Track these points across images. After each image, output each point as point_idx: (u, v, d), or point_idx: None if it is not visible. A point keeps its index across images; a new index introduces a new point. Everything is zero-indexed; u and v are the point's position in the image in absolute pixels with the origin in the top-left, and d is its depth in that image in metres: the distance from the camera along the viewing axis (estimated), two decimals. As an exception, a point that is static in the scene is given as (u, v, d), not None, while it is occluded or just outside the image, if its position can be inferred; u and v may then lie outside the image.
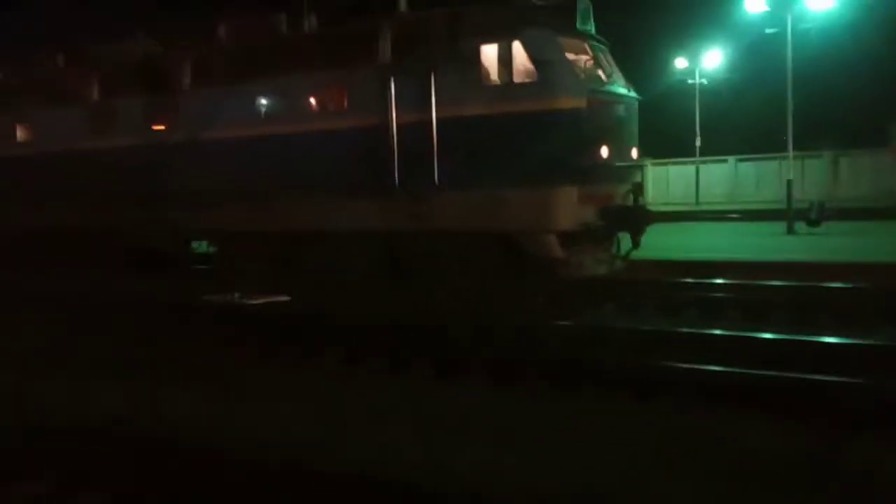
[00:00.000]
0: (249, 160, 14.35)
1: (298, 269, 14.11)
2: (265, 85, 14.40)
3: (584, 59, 12.37)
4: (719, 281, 12.59)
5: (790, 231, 21.02)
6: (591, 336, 8.98)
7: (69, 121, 16.99)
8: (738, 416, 6.09)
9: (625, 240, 12.65)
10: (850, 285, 11.60)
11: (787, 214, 21.78)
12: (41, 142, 17.67)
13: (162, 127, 15.92)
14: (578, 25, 12.39)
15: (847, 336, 8.48)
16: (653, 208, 13.83)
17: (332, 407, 6.64)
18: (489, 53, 12.12)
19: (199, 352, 9.36)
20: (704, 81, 42.81)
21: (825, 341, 8.10)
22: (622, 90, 12.71)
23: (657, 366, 7.40)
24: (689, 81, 42.66)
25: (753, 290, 11.80)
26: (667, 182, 41.97)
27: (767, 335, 8.46)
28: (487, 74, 12.22)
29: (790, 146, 23.68)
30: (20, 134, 18.49)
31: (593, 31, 12.78)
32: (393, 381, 7.71)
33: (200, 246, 17.35)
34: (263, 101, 14.53)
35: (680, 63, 43.18)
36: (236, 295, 13.14)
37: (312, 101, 14.09)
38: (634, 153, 13.05)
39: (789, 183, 22.79)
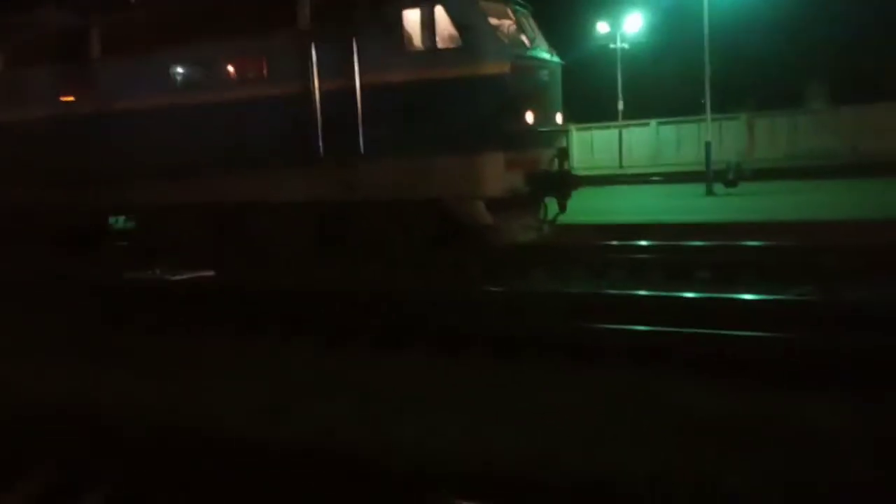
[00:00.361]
0: (169, 131, 13.90)
1: (226, 243, 13.81)
2: (181, 53, 13.95)
3: (507, 24, 12.33)
4: (643, 243, 12.84)
5: (709, 192, 21.55)
6: (522, 302, 9.06)
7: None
8: (668, 374, 6.21)
9: (551, 204, 12.75)
10: (763, 243, 11.95)
11: (706, 176, 22.31)
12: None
13: (75, 98, 15.29)
14: (501, -10, 12.32)
15: (764, 292, 8.75)
16: (578, 173, 13.96)
17: (272, 382, 6.52)
18: (412, 18, 11.95)
19: (131, 331, 9.11)
20: (626, 46, 43.29)
21: (744, 298, 8.35)
22: (545, 55, 12.73)
23: (588, 328, 7.51)
24: (612, 46, 43.08)
25: (674, 252, 12.07)
26: (591, 146, 42.49)
27: (690, 294, 8.69)
28: (410, 40, 12.06)
29: (708, 109, 24.22)
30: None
31: (516, -5, 12.73)
32: (330, 354, 7.62)
33: (118, 222, 16.82)
34: (180, 70, 14.07)
35: (602, 28, 43.55)
36: (158, 271, 12.80)
37: (231, 68, 13.71)
38: (559, 118, 13.13)
39: (707, 145, 23.33)
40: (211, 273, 12.79)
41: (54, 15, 16.15)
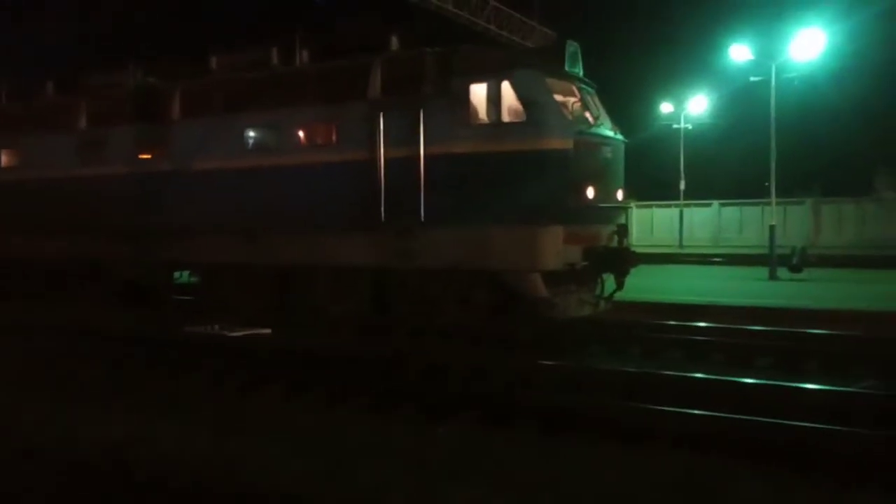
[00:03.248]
0: (238, 192, 14.33)
1: (284, 303, 14.03)
2: (255, 118, 14.46)
3: (571, 101, 12.51)
4: (702, 324, 12.62)
5: (772, 277, 21.15)
6: (574, 377, 8.95)
7: (57, 149, 16.95)
8: (722, 463, 6.02)
9: (609, 280, 12.67)
10: (827, 332, 11.64)
11: (769, 260, 21.94)
12: (30, 169, 17.59)
13: (150, 157, 15.91)
14: (567, 67, 12.55)
15: (830, 383, 8.49)
16: (637, 250, 13.88)
17: (320, 446, 6.53)
18: (478, 92, 12.22)
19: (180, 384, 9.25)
20: (689, 126, 43.36)
21: (805, 387, 8.11)
22: (609, 132, 12.84)
23: (639, 409, 7.37)
24: (675, 126, 43.19)
25: (736, 334, 11.82)
26: (651, 224, 42.28)
27: (750, 380, 8.47)
28: (476, 113, 12.32)
29: (773, 192, 23.95)
30: (7, 160, 18.42)
31: (581, 73, 12.94)
32: (379, 422, 7.60)
33: (182, 276, 17.24)
34: (253, 134, 14.57)
35: (666, 108, 43.79)
36: (217, 327, 13.04)
37: (302, 134, 14.14)
38: (620, 195, 13.14)
39: (772, 228, 22.99)
40: (268, 331, 12.97)
41: (138, 77, 16.95)
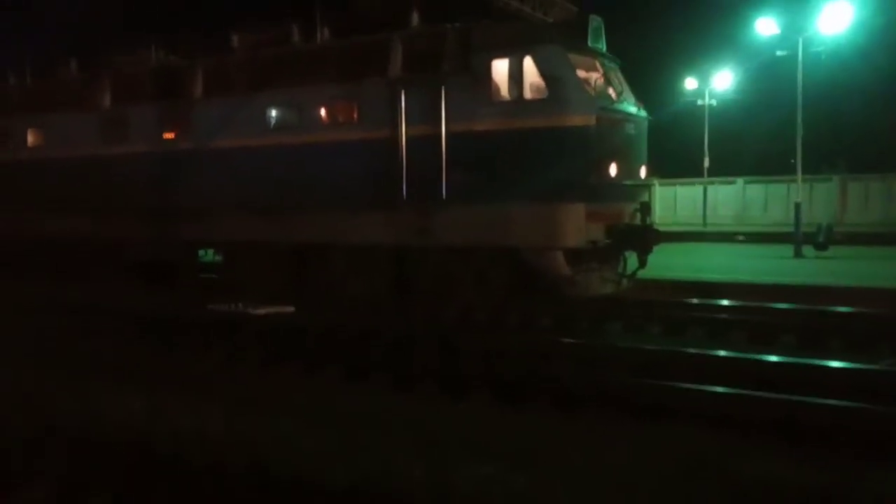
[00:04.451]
0: (259, 171, 14.39)
1: (306, 281, 14.10)
2: (276, 96, 14.46)
3: (594, 77, 12.40)
4: (725, 302, 12.54)
5: (797, 255, 20.94)
6: (594, 355, 8.94)
7: (79, 128, 17.07)
8: (743, 440, 6.00)
9: (631, 259, 12.61)
10: (852, 310, 11.52)
11: (794, 238, 21.72)
12: (52, 148, 17.75)
13: (173, 136, 15.99)
14: (590, 43, 12.43)
15: (850, 360, 8.42)
16: (660, 228, 13.78)
17: (335, 421, 6.58)
18: (500, 69, 12.14)
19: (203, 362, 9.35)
20: (714, 102, 42.81)
21: (829, 365, 8.05)
22: (632, 109, 12.72)
23: (661, 386, 7.35)
24: (699, 102, 42.66)
25: (761, 312, 11.74)
26: (674, 202, 41.89)
27: (774, 358, 8.42)
28: (498, 90, 12.24)
29: (799, 169, 23.65)
30: (31, 139, 18.59)
31: (604, 48, 12.81)
32: (397, 399, 7.64)
33: (207, 255, 17.37)
34: (274, 112, 14.59)
35: (690, 84, 43.21)
36: (241, 305, 13.14)
37: (323, 112, 14.13)
38: (643, 172, 13.04)
39: (797, 206, 22.73)
40: (291, 309, 13.05)
41: (160, 56, 17.02)
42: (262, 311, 12.79)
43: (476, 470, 5.32)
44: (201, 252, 17.14)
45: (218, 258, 16.64)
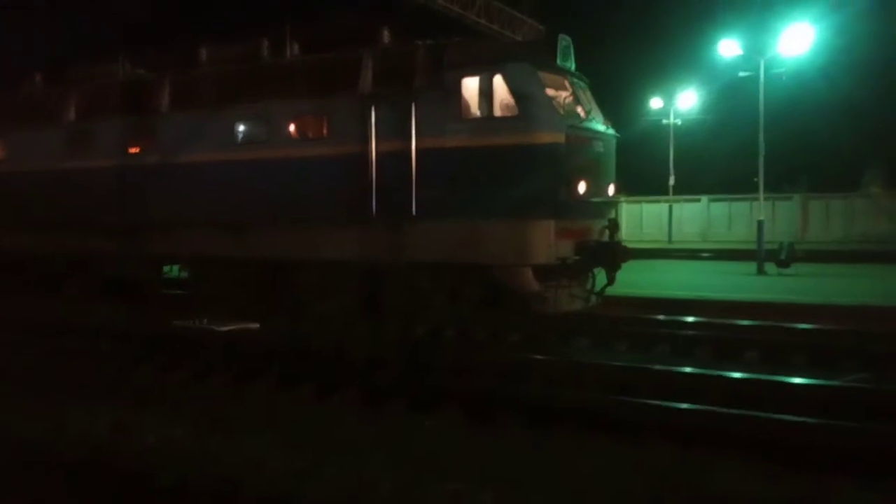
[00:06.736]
0: (227, 186, 14.27)
1: (274, 297, 14.00)
2: (245, 110, 14.37)
3: (563, 95, 12.52)
4: (690, 319, 12.68)
5: (760, 272, 21.26)
6: (562, 371, 8.98)
7: (45, 141, 16.82)
8: (708, 456, 6.05)
9: (600, 275, 12.71)
10: (814, 326, 11.70)
11: (757, 255, 22.05)
12: (17, 162, 17.44)
13: (139, 150, 15.81)
14: (559, 62, 12.56)
15: (812, 376, 8.55)
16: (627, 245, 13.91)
17: (308, 440, 6.52)
18: (470, 86, 12.20)
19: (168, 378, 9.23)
20: (679, 122, 43.46)
21: (792, 381, 8.16)
22: (601, 127, 12.86)
23: (627, 402, 7.41)
24: (664, 121, 43.28)
25: (725, 329, 11.90)
26: (640, 219, 42.39)
27: (736, 374, 8.53)
28: (468, 107, 12.30)
29: (761, 188, 24.05)
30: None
31: (573, 67, 12.95)
32: (364, 415, 7.61)
33: (171, 270, 17.16)
34: (242, 127, 14.49)
35: (655, 103, 43.85)
36: (206, 321, 12.99)
37: (292, 127, 14.07)
38: (611, 189, 13.17)
39: (760, 224, 23.09)
40: (256, 325, 12.94)
41: (127, 69, 16.84)
42: (226, 327, 12.66)
43: (445, 486, 5.32)
44: (166, 268, 16.94)
45: (184, 274, 16.45)
